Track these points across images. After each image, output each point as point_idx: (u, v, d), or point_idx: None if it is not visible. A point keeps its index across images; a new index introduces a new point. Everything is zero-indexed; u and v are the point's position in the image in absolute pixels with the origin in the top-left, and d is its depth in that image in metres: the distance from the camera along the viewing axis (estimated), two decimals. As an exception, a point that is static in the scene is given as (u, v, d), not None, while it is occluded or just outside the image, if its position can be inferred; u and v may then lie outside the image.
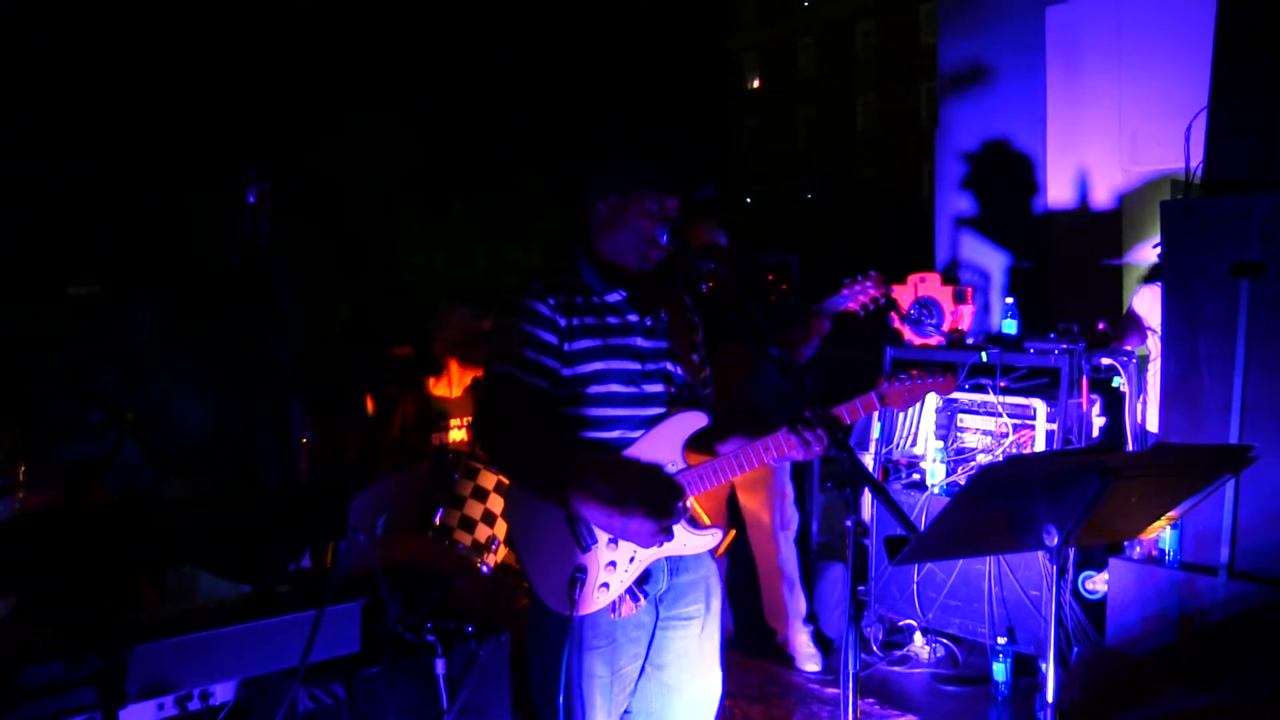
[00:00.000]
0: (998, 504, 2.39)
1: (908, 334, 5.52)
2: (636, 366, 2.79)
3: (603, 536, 2.70)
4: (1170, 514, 2.63)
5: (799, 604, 5.27)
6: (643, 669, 2.85)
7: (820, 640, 5.32)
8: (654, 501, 2.66)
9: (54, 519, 2.25)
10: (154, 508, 2.73)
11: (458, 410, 5.06)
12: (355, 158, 22.46)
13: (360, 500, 3.77)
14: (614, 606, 2.72)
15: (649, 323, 2.85)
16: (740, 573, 5.39)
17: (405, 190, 23.22)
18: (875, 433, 5.54)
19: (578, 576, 2.65)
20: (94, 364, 2.91)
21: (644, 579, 2.76)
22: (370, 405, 5.64)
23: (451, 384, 5.13)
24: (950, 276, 7.10)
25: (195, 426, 2.98)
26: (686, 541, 2.78)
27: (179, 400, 2.96)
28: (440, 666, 3.15)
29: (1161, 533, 4.39)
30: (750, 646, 5.39)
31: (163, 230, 3.23)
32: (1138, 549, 4.55)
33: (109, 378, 2.91)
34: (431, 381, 5.12)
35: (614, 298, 2.81)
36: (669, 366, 2.86)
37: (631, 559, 2.71)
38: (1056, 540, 2.38)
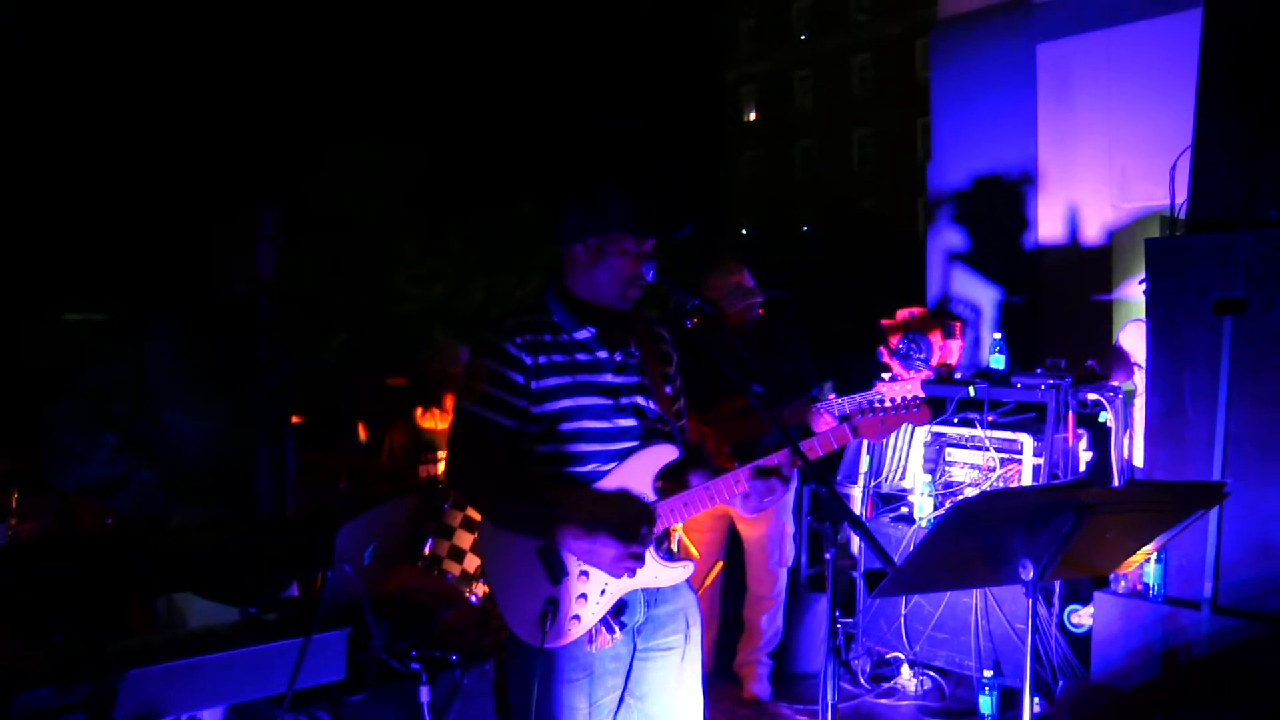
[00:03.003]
0: (974, 538, 2.43)
1: (896, 368, 5.56)
2: (608, 402, 2.81)
3: (574, 568, 2.72)
4: (1146, 549, 2.67)
5: (772, 637, 5.29)
6: (621, 699, 2.85)
7: (777, 676, 5.33)
8: (623, 528, 2.69)
9: (46, 546, 2.28)
10: (143, 535, 2.76)
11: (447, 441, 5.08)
12: (353, 188, 22.60)
13: (349, 529, 3.80)
14: (590, 638, 2.74)
15: (619, 358, 2.86)
16: (736, 605, 5.38)
17: (402, 221, 23.36)
18: (864, 466, 5.57)
19: (549, 609, 2.67)
20: (112, 388, 2.95)
21: (620, 610, 2.77)
22: (363, 435, 5.68)
23: (440, 415, 5.16)
24: (938, 312, 7.14)
25: (197, 453, 3.02)
26: (658, 574, 2.80)
27: (184, 427, 3.01)
28: (424, 694, 3.18)
29: (1146, 567, 4.42)
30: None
31: (178, 256, 3.27)
32: (1122, 583, 4.57)
33: (123, 402, 2.95)
34: (419, 412, 5.16)
35: (582, 335, 2.82)
36: (640, 400, 2.86)
37: (603, 591, 2.73)
38: (1032, 574, 2.42)
